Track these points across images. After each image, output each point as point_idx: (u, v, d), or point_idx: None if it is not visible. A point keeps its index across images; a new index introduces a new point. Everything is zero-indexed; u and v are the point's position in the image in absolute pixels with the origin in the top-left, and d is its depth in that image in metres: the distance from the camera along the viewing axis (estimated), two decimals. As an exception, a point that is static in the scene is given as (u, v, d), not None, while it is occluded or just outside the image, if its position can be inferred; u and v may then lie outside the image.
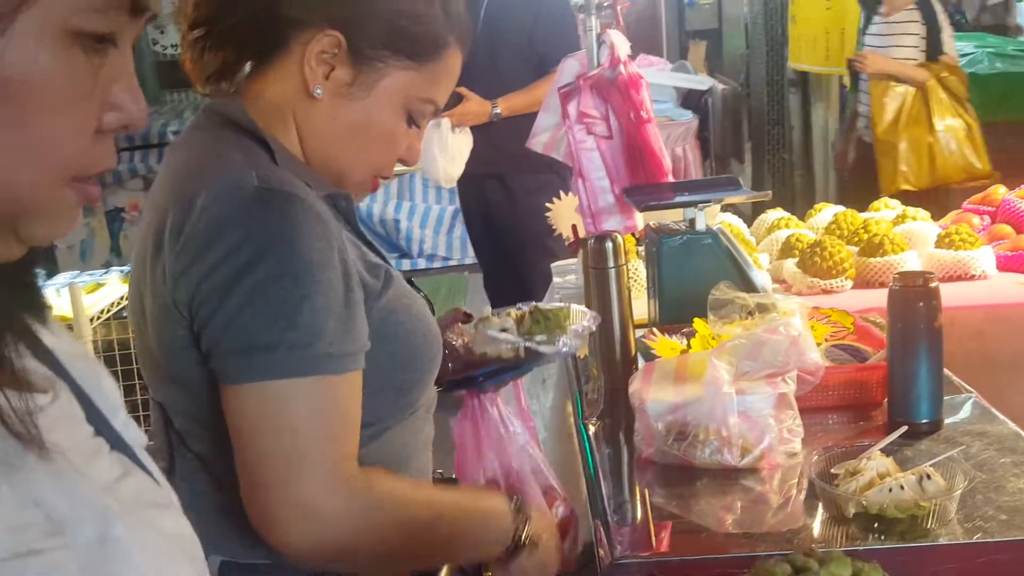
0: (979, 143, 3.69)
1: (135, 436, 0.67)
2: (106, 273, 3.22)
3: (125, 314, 3.09)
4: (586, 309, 1.48)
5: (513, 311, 1.42)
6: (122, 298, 3.00)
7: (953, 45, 3.91)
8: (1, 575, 0.50)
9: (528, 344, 1.36)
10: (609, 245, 1.69)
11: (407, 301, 1.17)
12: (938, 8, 3.80)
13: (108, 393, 0.66)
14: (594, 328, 1.45)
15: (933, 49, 3.79)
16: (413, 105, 1.18)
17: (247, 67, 1.18)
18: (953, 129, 3.65)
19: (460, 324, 1.42)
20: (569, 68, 2.04)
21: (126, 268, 3.19)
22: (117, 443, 0.64)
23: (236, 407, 1.02)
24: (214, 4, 1.15)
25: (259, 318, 1.00)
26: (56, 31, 0.54)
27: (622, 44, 1.93)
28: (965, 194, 2.76)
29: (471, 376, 1.38)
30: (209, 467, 1.12)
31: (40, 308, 0.63)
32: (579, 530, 1.42)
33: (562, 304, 1.47)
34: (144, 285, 1.10)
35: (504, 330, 1.35)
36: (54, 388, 0.60)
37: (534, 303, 1.45)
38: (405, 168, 3.52)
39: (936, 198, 3.51)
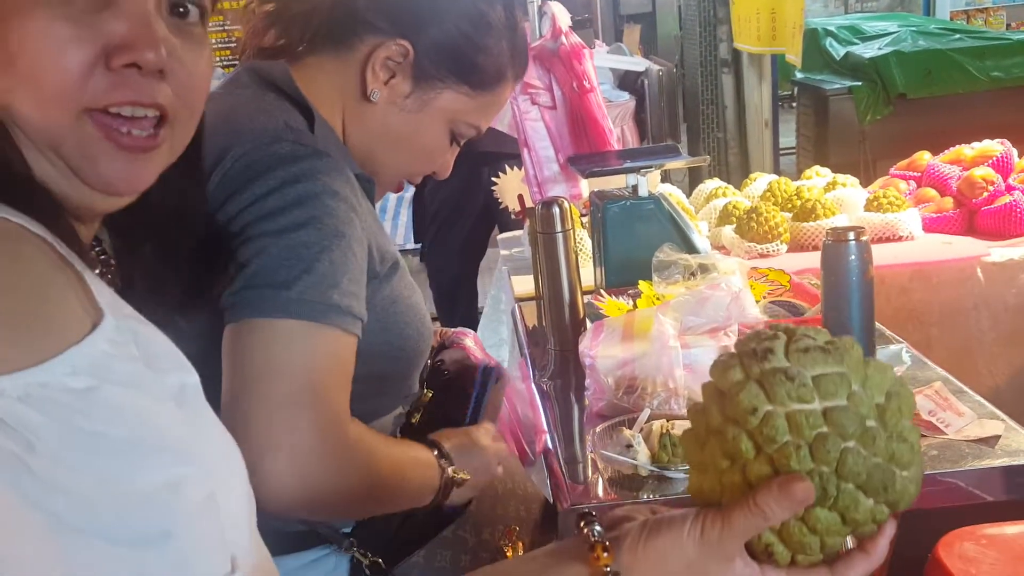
0: None
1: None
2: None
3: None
4: None
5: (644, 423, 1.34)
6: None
7: None
8: (96, 366, 0.55)
9: (654, 470, 1.28)
10: (556, 210, 1.73)
11: (408, 292, 1.19)
12: None
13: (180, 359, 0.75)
14: None
15: None
16: (459, 127, 1.22)
17: (302, 47, 1.18)
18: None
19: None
20: (512, 40, 2.08)
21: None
22: None
23: (240, 343, 0.99)
24: None
25: (278, 258, 1.00)
26: None
27: (563, 15, 1.97)
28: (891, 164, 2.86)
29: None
30: None
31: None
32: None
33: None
34: None
35: (629, 446, 1.29)
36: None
37: (666, 420, 1.34)
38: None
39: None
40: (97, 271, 0.67)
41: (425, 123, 1.20)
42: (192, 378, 0.63)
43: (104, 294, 0.59)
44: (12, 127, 0.62)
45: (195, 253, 0.80)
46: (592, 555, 0.67)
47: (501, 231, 3.07)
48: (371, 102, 1.17)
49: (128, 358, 0.57)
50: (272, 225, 1.01)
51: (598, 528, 0.69)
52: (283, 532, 1.11)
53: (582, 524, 0.69)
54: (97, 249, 0.73)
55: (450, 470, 1.15)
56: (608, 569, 0.66)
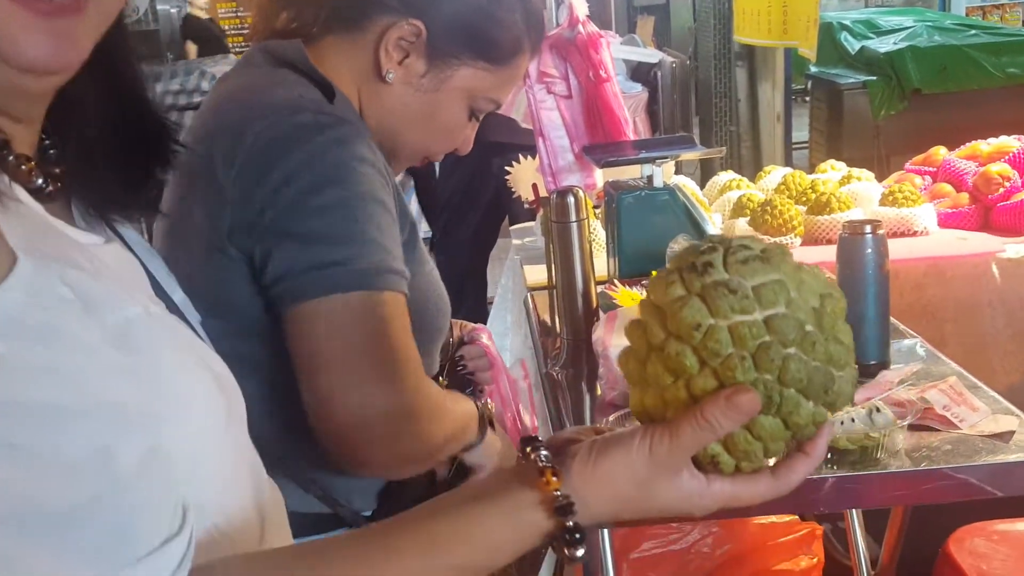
0: None
1: (193, 313, 0.70)
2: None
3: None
4: None
5: None
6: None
7: None
8: (10, 322, 0.49)
9: None
10: (571, 199, 1.73)
11: (428, 268, 1.19)
12: None
13: (166, 274, 0.70)
14: None
15: None
16: (478, 103, 1.21)
17: (316, 28, 1.17)
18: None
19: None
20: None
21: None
22: (175, 311, 0.67)
23: (312, 322, 1.00)
24: None
25: (332, 235, 1.00)
26: None
27: (580, 4, 1.96)
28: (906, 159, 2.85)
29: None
30: None
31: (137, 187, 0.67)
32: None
33: None
34: (189, 211, 1.08)
35: None
36: (111, 240, 0.63)
37: None
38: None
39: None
40: (40, 180, 0.60)
41: (443, 101, 1.18)
42: (138, 309, 0.57)
43: (19, 232, 0.52)
44: None
45: (135, 140, 0.71)
46: (541, 480, 0.65)
47: (512, 222, 3.06)
48: (387, 83, 1.15)
49: (49, 305, 0.51)
50: (313, 203, 1.01)
51: (544, 452, 0.67)
52: (303, 514, 1.11)
53: (528, 450, 0.68)
54: (49, 147, 0.64)
55: (485, 412, 1.20)
56: (558, 493, 0.65)
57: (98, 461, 0.50)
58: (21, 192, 0.56)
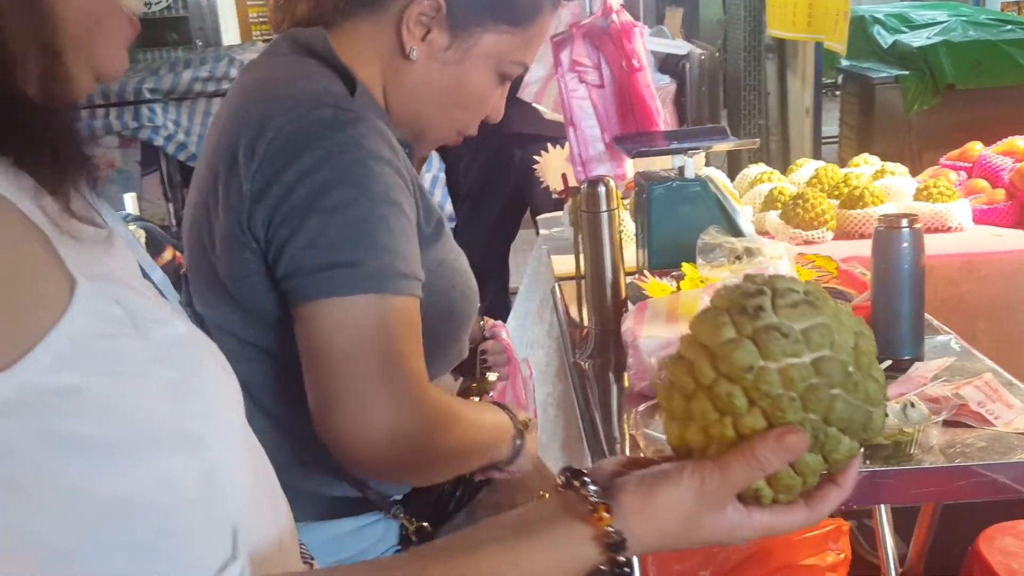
0: None
1: (172, 293, 0.71)
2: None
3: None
4: None
5: None
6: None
7: None
8: (79, 353, 0.49)
9: None
10: (602, 189, 1.71)
11: (453, 256, 1.19)
12: None
13: (143, 253, 0.70)
14: None
15: None
16: (505, 67, 1.20)
17: (337, 13, 1.17)
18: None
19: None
20: (561, 16, 2.06)
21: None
22: (160, 294, 0.68)
23: (316, 323, 1.00)
24: None
25: (341, 236, 1.00)
26: None
27: (614, -7, 1.95)
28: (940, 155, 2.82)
29: None
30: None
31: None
32: None
33: None
34: (213, 201, 1.08)
35: None
36: (111, 233, 0.63)
37: None
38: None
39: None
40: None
41: (469, 71, 1.17)
42: (179, 327, 0.58)
43: (72, 254, 0.53)
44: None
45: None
46: (594, 516, 0.66)
47: (535, 213, 3.05)
48: (411, 61, 1.14)
49: (109, 330, 0.51)
50: (324, 202, 1.00)
51: (593, 487, 0.68)
52: (334, 497, 1.12)
53: (576, 484, 0.68)
54: None
55: (520, 423, 1.20)
56: (611, 529, 0.66)
57: (162, 493, 0.51)
58: (51, 204, 0.56)
